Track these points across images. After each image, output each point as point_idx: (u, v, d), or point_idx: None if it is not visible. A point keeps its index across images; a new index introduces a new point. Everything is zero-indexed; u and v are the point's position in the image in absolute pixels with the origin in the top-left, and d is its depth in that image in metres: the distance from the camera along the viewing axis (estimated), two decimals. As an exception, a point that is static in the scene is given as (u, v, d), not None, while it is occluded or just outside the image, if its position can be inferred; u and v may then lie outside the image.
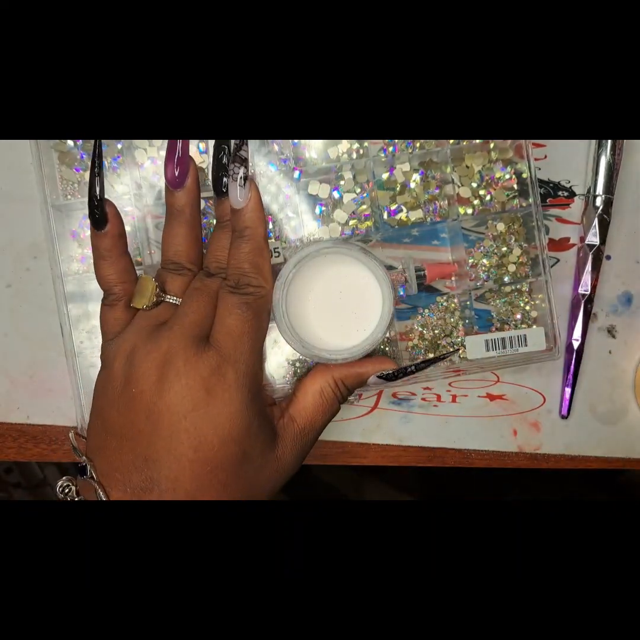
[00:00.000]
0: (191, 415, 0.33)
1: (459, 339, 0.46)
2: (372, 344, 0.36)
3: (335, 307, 0.37)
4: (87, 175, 0.44)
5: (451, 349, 0.39)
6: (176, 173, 0.37)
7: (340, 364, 0.37)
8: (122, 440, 0.34)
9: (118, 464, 0.34)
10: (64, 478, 0.35)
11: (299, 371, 0.44)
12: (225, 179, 0.36)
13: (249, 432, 0.34)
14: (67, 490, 0.34)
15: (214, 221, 0.40)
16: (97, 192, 0.37)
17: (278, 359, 0.45)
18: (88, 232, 0.45)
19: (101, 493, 0.33)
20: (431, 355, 0.46)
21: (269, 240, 0.43)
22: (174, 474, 0.33)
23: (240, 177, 0.35)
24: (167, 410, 0.33)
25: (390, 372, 0.37)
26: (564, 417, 0.49)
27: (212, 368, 0.34)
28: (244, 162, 0.35)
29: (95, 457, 0.35)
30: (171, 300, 0.37)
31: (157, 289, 0.36)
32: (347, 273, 0.37)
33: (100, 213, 0.37)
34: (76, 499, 0.34)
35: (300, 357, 0.44)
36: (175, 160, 0.37)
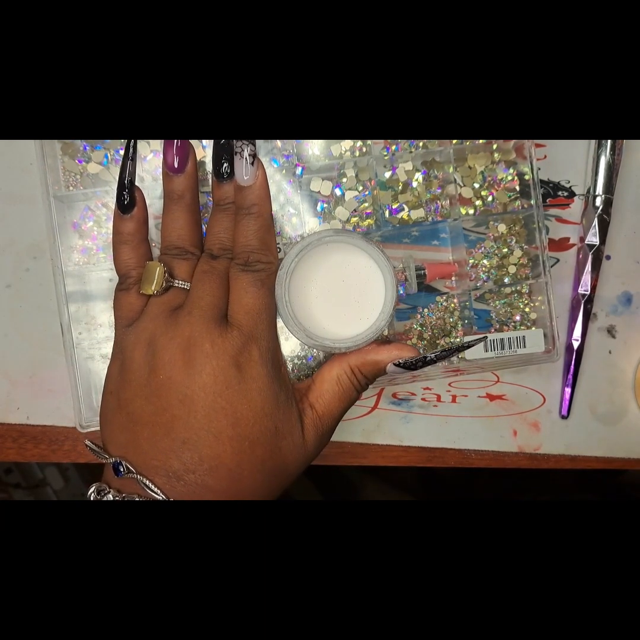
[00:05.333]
0: (226, 393, 0.34)
1: (458, 339, 0.46)
2: (375, 331, 0.36)
3: (338, 296, 0.37)
4: (89, 167, 0.44)
5: (471, 340, 0.37)
6: (176, 159, 0.38)
7: (357, 351, 0.37)
8: (154, 427, 0.34)
9: (154, 452, 0.34)
10: (96, 483, 0.35)
11: (297, 368, 0.44)
12: (225, 163, 0.37)
13: (278, 406, 0.35)
14: (104, 493, 0.34)
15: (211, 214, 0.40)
16: (128, 176, 0.37)
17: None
18: (89, 224, 0.45)
19: (147, 482, 0.33)
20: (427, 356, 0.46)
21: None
22: (215, 451, 0.33)
23: (248, 155, 0.36)
24: (201, 391, 0.33)
25: (410, 360, 0.36)
26: (564, 417, 0.49)
27: (238, 347, 0.34)
28: (251, 140, 0.36)
29: (126, 453, 0.34)
30: (180, 285, 0.37)
31: (166, 274, 0.36)
32: (349, 261, 0.37)
33: (130, 197, 0.38)
34: (121, 496, 0.33)
35: (300, 354, 0.44)
36: (175, 146, 0.38)
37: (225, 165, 0.37)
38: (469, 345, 0.36)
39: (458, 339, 0.46)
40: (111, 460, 0.34)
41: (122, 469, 0.34)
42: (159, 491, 0.33)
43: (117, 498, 0.33)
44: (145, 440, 0.34)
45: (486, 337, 0.38)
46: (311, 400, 0.37)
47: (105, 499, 0.34)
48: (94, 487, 0.34)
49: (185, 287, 0.37)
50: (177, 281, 0.37)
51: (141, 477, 0.33)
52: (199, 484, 0.33)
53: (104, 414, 0.36)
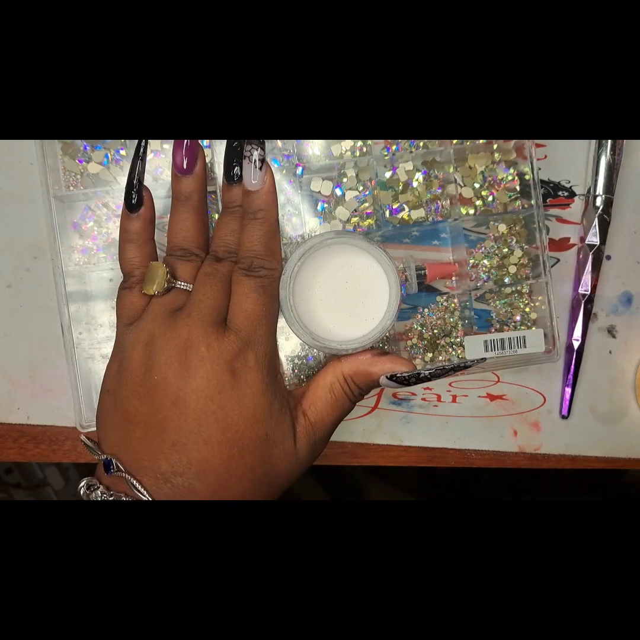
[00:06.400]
0: (218, 397, 0.33)
1: (458, 339, 0.46)
2: (381, 331, 0.36)
3: (342, 298, 0.37)
4: (89, 166, 0.45)
5: (469, 360, 0.36)
6: (185, 160, 0.38)
7: (351, 361, 0.37)
8: (146, 428, 0.34)
9: (145, 453, 0.34)
10: (87, 478, 0.35)
11: (297, 368, 0.44)
12: (237, 166, 0.36)
13: (270, 414, 0.34)
14: (93, 488, 0.34)
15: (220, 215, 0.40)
16: (138, 175, 0.38)
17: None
18: (89, 224, 0.45)
19: (134, 482, 0.33)
20: (430, 355, 0.46)
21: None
22: (204, 455, 0.33)
23: (256, 159, 0.35)
24: (193, 394, 0.33)
25: (403, 375, 0.35)
26: (564, 417, 0.49)
27: (234, 352, 0.34)
28: (261, 144, 0.35)
29: (118, 451, 0.35)
30: (182, 286, 0.37)
31: (168, 275, 0.36)
32: (352, 262, 0.37)
33: (138, 196, 0.38)
34: (109, 493, 0.34)
35: (300, 354, 0.44)
36: (184, 146, 0.38)
37: (236, 168, 0.36)
38: (466, 366, 0.36)
39: (458, 338, 0.46)
40: (102, 458, 0.35)
41: (112, 467, 0.34)
42: (145, 492, 0.33)
43: (105, 495, 0.34)
44: (137, 440, 0.34)
45: (485, 359, 0.37)
46: (304, 407, 0.36)
47: (93, 494, 0.34)
48: (84, 482, 0.35)
49: (188, 288, 0.37)
50: (179, 282, 0.37)
51: (129, 476, 0.33)
52: (186, 487, 0.33)
53: (101, 412, 0.36)
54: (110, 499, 0.33)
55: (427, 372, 0.35)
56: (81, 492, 0.34)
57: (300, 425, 0.36)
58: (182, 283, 0.37)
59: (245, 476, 0.34)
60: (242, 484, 0.34)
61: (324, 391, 0.37)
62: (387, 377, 0.36)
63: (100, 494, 0.34)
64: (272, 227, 0.36)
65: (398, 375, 0.35)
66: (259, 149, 0.35)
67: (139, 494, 0.33)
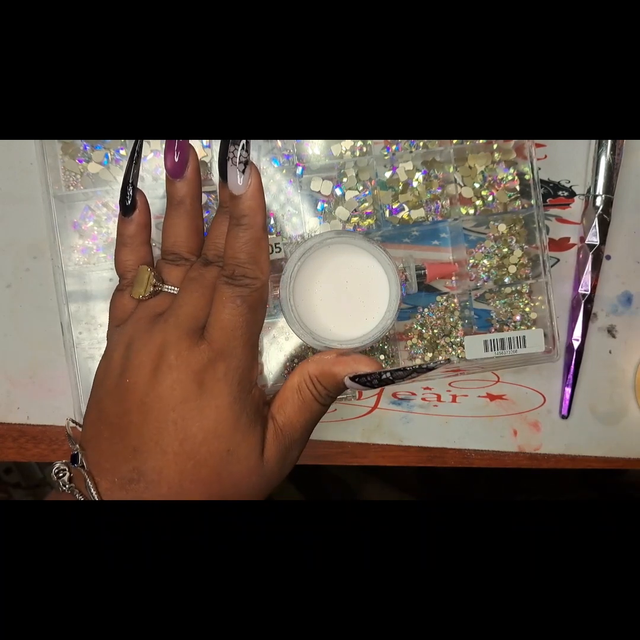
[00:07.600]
0: (180, 407, 0.33)
1: (458, 339, 0.46)
2: (381, 331, 0.36)
3: (342, 297, 0.37)
4: (89, 166, 0.45)
5: (432, 362, 0.34)
6: (176, 162, 0.37)
7: (317, 361, 0.35)
8: (114, 429, 0.34)
9: (109, 454, 0.34)
10: (62, 461, 0.35)
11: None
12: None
13: (236, 429, 0.34)
14: (61, 474, 0.34)
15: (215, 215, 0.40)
16: (132, 179, 0.37)
17: (276, 355, 0.45)
18: (89, 224, 0.46)
19: (90, 483, 0.33)
20: (430, 355, 0.46)
21: (270, 236, 0.43)
22: (159, 465, 0.33)
23: (240, 162, 0.33)
24: (157, 401, 0.33)
25: (365, 376, 0.33)
26: (564, 417, 0.49)
27: (203, 362, 0.33)
28: (245, 144, 0.33)
29: (89, 447, 0.35)
30: (169, 290, 0.37)
31: (154, 279, 0.36)
32: (352, 262, 0.37)
33: (131, 200, 0.37)
34: (68, 486, 0.34)
35: (299, 354, 0.44)
36: (175, 149, 0.37)
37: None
38: (429, 368, 0.33)
39: (458, 338, 0.46)
40: (73, 449, 0.35)
41: (77, 461, 0.34)
42: (96, 496, 0.33)
43: (66, 486, 0.34)
44: (105, 440, 0.34)
45: (450, 360, 0.35)
46: (273, 410, 0.35)
47: (60, 480, 0.34)
48: (58, 464, 0.35)
49: (174, 292, 0.36)
50: (166, 286, 0.37)
51: (88, 477, 0.33)
52: (138, 497, 0.33)
53: (87, 408, 0.37)
54: (68, 491, 0.33)
55: (388, 374, 0.33)
56: (52, 473, 0.34)
57: (269, 430, 0.35)
58: (169, 287, 0.37)
59: (200, 492, 0.33)
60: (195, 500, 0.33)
61: (292, 392, 0.35)
62: (350, 377, 0.34)
63: (62, 485, 0.34)
64: (257, 234, 0.34)
65: (361, 376, 0.34)
66: (243, 150, 0.33)
67: (91, 497, 0.33)
